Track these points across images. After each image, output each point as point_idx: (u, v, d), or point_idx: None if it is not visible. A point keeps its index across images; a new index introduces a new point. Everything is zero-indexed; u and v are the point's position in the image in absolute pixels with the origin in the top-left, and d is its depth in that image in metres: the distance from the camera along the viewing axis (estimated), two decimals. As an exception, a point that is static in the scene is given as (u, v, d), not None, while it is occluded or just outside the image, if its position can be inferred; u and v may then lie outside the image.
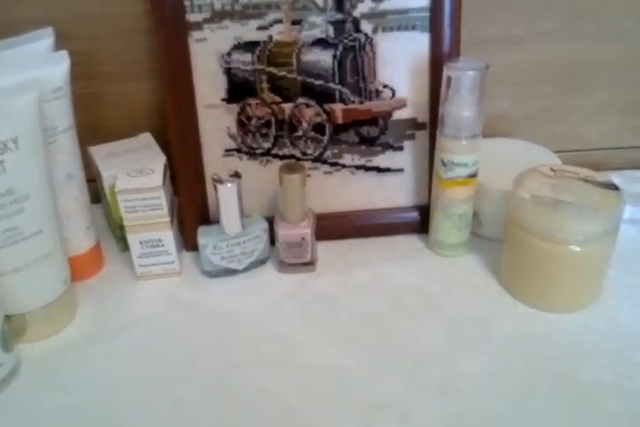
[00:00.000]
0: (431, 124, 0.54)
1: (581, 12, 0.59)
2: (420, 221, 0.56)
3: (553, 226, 0.45)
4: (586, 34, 0.60)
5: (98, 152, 0.55)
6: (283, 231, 0.51)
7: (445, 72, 0.48)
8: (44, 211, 0.45)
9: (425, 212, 0.56)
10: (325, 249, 0.55)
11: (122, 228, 0.51)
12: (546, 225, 0.45)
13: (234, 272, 0.53)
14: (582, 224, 0.45)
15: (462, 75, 0.47)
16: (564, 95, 0.63)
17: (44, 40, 0.50)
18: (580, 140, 0.65)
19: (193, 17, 0.51)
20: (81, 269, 0.52)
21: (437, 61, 0.52)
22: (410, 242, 0.56)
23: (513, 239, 0.49)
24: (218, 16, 0.51)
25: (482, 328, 0.47)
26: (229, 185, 0.49)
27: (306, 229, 0.51)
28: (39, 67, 0.46)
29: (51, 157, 0.47)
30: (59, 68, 0.48)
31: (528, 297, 0.49)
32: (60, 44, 0.50)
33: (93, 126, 0.57)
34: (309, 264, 0.53)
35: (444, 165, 0.50)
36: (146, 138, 0.57)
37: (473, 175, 0.51)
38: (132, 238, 0.51)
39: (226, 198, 0.50)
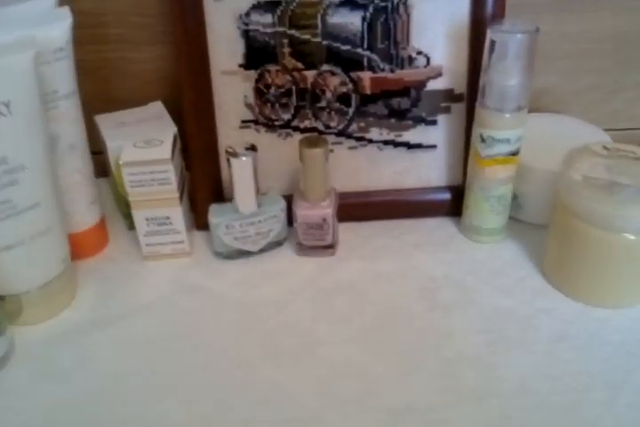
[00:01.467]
0: (469, 95, 0.49)
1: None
2: (453, 203, 0.51)
3: (608, 211, 0.40)
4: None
5: (104, 121, 0.51)
6: (302, 211, 0.47)
7: (489, 35, 0.43)
8: (41, 183, 0.41)
9: (459, 193, 0.51)
10: (348, 231, 0.50)
11: (128, 204, 0.47)
12: (600, 210, 0.40)
13: (248, 254, 0.48)
14: (641, 210, 0.40)
15: (509, 38, 0.42)
16: (616, 70, 0.57)
17: (45, -3, 0.45)
18: (633, 117, 0.60)
19: (209, -28, 0.46)
20: (83, 246, 0.48)
21: (478, 25, 0.47)
22: (441, 225, 0.51)
23: (561, 225, 0.43)
24: (236, -29, 0.46)
25: (523, 326, 0.42)
26: (244, 159, 0.45)
27: (327, 210, 0.47)
28: (37, 24, 0.42)
29: (51, 125, 0.43)
30: (60, 25, 0.43)
31: (576, 291, 0.44)
32: (64, 2, 0.46)
33: (101, 94, 0.54)
34: (330, 247, 0.48)
35: (484, 140, 0.45)
36: (156, 107, 0.53)
37: (515, 153, 0.45)
38: (138, 215, 0.47)
39: (240, 173, 0.45)
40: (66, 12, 0.44)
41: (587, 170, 0.42)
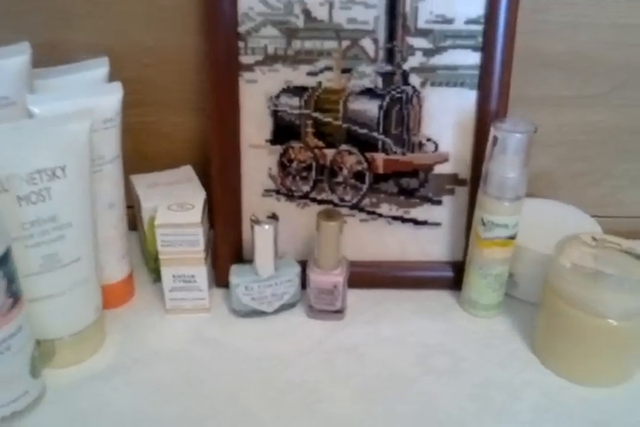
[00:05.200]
0: (472, 181, 0.54)
1: (632, 78, 0.59)
2: (454, 278, 0.56)
3: (592, 298, 0.44)
4: (634, 101, 0.60)
5: (139, 182, 0.56)
6: (315, 277, 0.51)
7: (492, 132, 0.48)
8: (84, 239, 0.46)
9: (459, 268, 0.55)
10: (356, 296, 0.54)
11: (156, 259, 0.52)
12: (585, 296, 0.44)
13: (263, 314, 0.52)
14: (622, 298, 0.44)
15: (509, 136, 0.47)
16: (607, 159, 0.63)
17: (99, 69, 0.51)
18: (621, 205, 0.65)
19: (245, 59, 0.52)
20: (112, 297, 0.52)
21: (484, 119, 0.52)
22: (441, 297, 0.56)
23: (549, 307, 0.48)
24: (270, 59, 0.52)
25: (510, 396, 0.46)
26: (266, 227, 0.50)
27: (338, 277, 0.51)
28: (93, 96, 0.47)
29: (95, 186, 0.47)
30: (112, 98, 0.48)
31: (561, 367, 0.48)
32: (112, 71, 0.51)
33: (136, 154, 0.57)
34: (339, 312, 0.52)
35: (484, 224, 0.50)
36: (187, 171, 0.58)
37: (512, 237, 0.50)
38: (166, 272, 0.51)
39: (262, 240, 0.50)
40: (118, 86, 0.49)
41: (575, 258, 0.47)
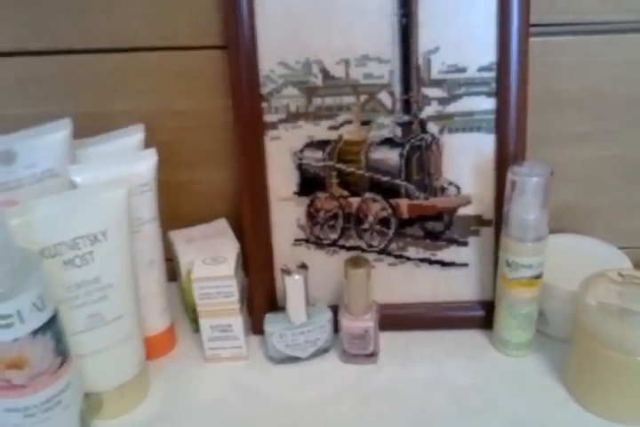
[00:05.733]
0: (496, 221, 0.55)
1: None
2: (485, 317, 0.56)
3: (619, 336, 0.44)
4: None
5: (177, 237, 0.59)
6: (346, 323, 0.53)
7: (510, 177, 0.49)
8: (125, 297, 0.49)
9: (490, 307, 0.56)
10: (388, 339, 0.56)
11: (194, 310, 0.54)
12: (612, 334, 0.45)
13: (297, 359, 0.54)
14: (650, 335, 0.44)
15: (527, 180, 0.48)
16: (631, 190, 0.63)
17: (135, 135, 0.55)
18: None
19: (269, 117, 0.55)
20: (155, 348, 0.55)
21: (503, 161, 0.54)
22: (473, 337, 0.56)
23: (579, 345, 0.48)
24: (292, 117, 0.55)
25: (544, 435, 0.46)
26: (297, 277, 0.52)
27: (369, 323, 0.52)
28: (130, 163, 0.51)
29: (135, 245, 0.50)
30: (147, 164, 0.52)
31: (594, 405, 0.48)
32: (147, 136, 0.55)
33: (173, 211, 0.60)
34: (371, 356, 0.54)
35: (509, 265, 0.51)
36: (221, 224, 0.61)
37: (538, 276, 0.51)
38: (204, 323, 0.54)
39: (293, 289, 0.52)
40: (152, 152, 0.53)
41: (601, 296, 0.47)
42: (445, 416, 0.48)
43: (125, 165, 0.50)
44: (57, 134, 0.50)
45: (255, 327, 0.57)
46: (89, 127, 0.53)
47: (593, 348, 0.46)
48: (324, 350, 0.55)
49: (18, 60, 0.57)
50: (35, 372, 0.40)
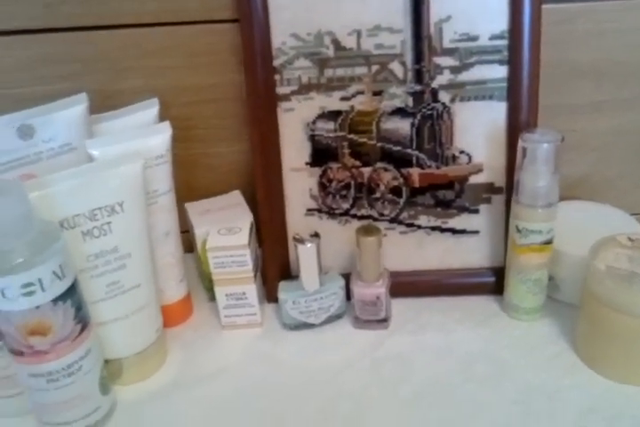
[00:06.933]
0: (507, 188, 0.56)
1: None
2: (495, 283, 0.57)
3: (628, 299, 0.45)
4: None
5: (192, 209, 0.60)
6: (358, 290, 0.54)
7: (520, 143, 0.50)
8: (143, 266, 0.50)
9: (500, 273, 0.56)
10: (400, 306, 0.57)
11: (210, 280, 0.56)
12: (620, 298, 0.45)
13: (311, 326, 0.56)
14: (658, 299, 0.45)
15: (537, 146, 0.49)
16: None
17: (149, 110, 0.55)
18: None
19: (282, 89, 0.55)
20: (172, 317, 0.57)
21: (514, 129, 0.54)
22: (484, 303, 0.57)
23: (589, 309, 0.49)
24: (305, 88, 0.55)
25: (555, 399, 0.47)
26: (309, 245, 0.53)
27: (380, 289, 0.53)
28: (145, 136, 0.52)
29: (151, 217, 0.52)
30: (162, 137, 0.53)
31: (605, 368, 0.48)
32: (161, 111, 0.56)
33: (188, 184, 0.62)
34: (383, 321, 0.55)
35: (519, 231, 0.51)
36: (236, 196, 0.62)
37: (548, 242, 0.51)
38: (219, 291, 0.55)
39: (306, 257, 0.53)
40: (167, 125, 0.53)
41: (610, 260, 0.47)
42: (456, 382, 0.50)
43: (141, 137, 0.51)
44: (73, 109, 0.51)
45: (269, 295, 0.59)
46: (102, 104, 0.54)
47: (602, 312, 0.47)
48: (336, 317, 0.56)
49: (29, 38, 0.57)
50: (57, 338, 0.42)
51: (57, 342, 0.42)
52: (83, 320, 0.44)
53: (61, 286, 0.42)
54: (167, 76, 0.60)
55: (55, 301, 0.41)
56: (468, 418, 0.46)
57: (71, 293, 0.42)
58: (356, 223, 0.58)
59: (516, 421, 0.46)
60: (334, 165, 0.57)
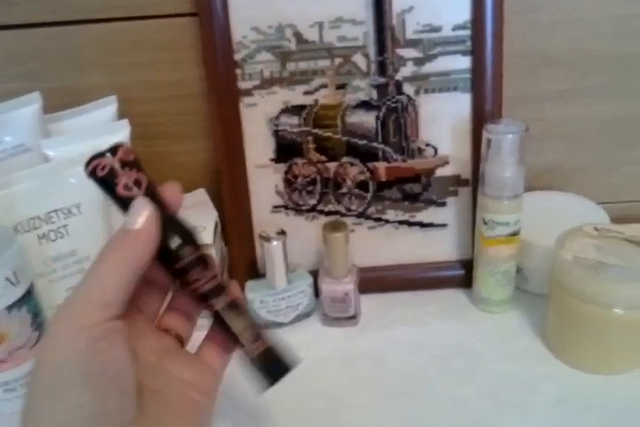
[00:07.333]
0: (474, 180, 0.55)
1: (629, 69, 0.59)
2: (465, 276, 0.57)
3: (596, 289, 0.45)
4: (634, 89, 0.60)
5: (156, 208, 0.59)
6: (326, 286, 0.53)
7: (485, 134, 0.49)
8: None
9: (469, 266, 0.56)
10: (370, 302, 0.56)
11: (177, 281, 0.54)
12: (588, 288, 0.45)
13: (280, 325, 0.55)
14: (626, 287, 0.45)
15: (502, 137, 0.48)
16: (613, 148, 0.63)
17: (108, 107, 0.54)
18: (632, 191, 0.65)
19: (244, 84, 0.54)
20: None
21: (479, 120, 0.53)
22: (454, 296, 0.57)
23: (557, 300, 0.49)
24: (267, 83, 0.54)
25: (527, 390, 0.47)
26: (275, 243, 0.52)
27: (349, 285, 0.53)
28: (102, 135, 0.50)
29: (112, 218, 0.50)
30: (120, 136, 0.51)
31: (573, 358, 0.48)
32: (123, 107, 0.54)
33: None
34: (353, 318, 0.54)
35: (486, 223, 0.51)
36: (200, 194, 0.60)
37: (515, 233, 0.51)
38: (186, 292, 0.54)
39: (272, 255, 0.52)
40: (125, 123, 0.52)
41: (577, 250, 0.47)
42: (429, 376, 0.49)
43: (98, 137, 0.50)
44: (26, 109, 0.50)
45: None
46: (64, 102, 0.53)
47: (570, 303, 0.47)
48: (305, 315, 0.55)
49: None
50: (13, 346, 0.41)
51: (13, 351, 0.41)
52: (40, 327, 0.43)
53: (16, 293, 0.40)
54: (131, 72, 0.58)
55: (10, 308, 0.40)
56: (443, 413, 0.46)
57: (27, 299, 0.41)
58: (324, 219, 0.57)
59: (489, 413, 0.46)
60: (299, 161, 0.56)
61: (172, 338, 0.37)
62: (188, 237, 0.34)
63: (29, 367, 0.42)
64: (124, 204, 0.33)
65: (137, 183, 0.33)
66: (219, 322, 0.36)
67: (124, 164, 0.33)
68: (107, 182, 0.32)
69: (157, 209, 0.33)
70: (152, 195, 0.33)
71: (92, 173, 0.32)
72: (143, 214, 0.32)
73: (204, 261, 0.34)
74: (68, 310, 0.30)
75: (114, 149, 0.32)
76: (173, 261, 0.33)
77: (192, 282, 0.34)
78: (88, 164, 0.32)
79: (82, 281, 0.31)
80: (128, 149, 0.33)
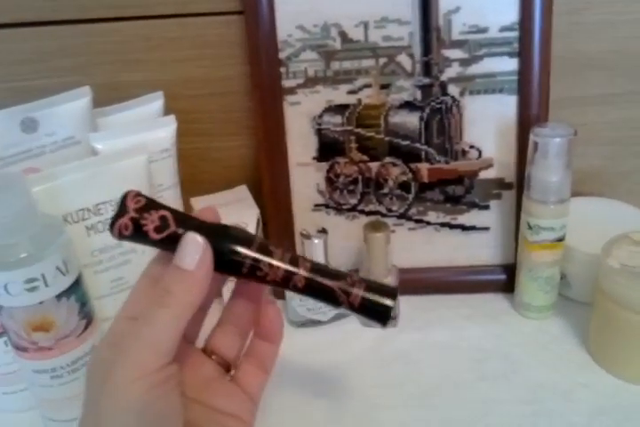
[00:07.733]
0: (518, 184, 0.55)
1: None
2: (506, 281, 0.56)
3: (641, 297, 0.44)
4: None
5: (198, 204, 0.59)
6: (366, 287, 0.53)
7: (532, 138, 0.49)
8: (148, 261, 0.49)
9: (511, 271, 0.55)
10: (408, 303, 0.56)
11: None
12: (634, 296, 0.44)
13: (318, 323, 0.55)
14: (674, 297, 0.44)
15: (549, 141, 0.48)
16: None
17: (154, 103, 0.55)
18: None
19: (288, 83, 0.54)
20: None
21: (525, 123, 0.53)
22: (494, 301, 0.56)
23: (602, 308, 0.48)
24: (311, 81, 0.54)
25: (565, 398, 0.46)
26: (316, 241, 0.52)
27: (388, 286, 0.52)
28: (150, 130, 0.51)
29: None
30: (167, 131, 0.52)
31: (616, 367, 0.48)
32: (166, 103, 0.55)
33: (194, 178, 0.61)
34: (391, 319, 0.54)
35: (530, 228, 0.50)
36: (242, 190, 0.61)
37: (560, 239, 0.50)
38: (226, 287, 0.54)
39: (313, 254, 0.52)
40: (172, 119, 0.53)
41: (624, 258, 0.46)
42: (466, 380, 0.49)
43: (145, 131, 0.51)
44: (77, 102, 0.50)
45: (277, 292, 0.58)
46: (108, 97, 0.53)
47: (614, 311, 0.46)
48: (344, 314, 0.55)
49: (37, 31, 0.56)
50: (60, 334, 0.41)
51: (61, 338, 0.42)
52: (87, 316, 0.43)
53: (65, 282, 0.41)
54: (174, 68, 0.59)
55: (59, 296, 0.41)
56: (476, 418, 0.46)
57: (75, 288, 0.42)
58: (364, 219, 0.57)
59: (526, 419, 0.45)
60: (341, 160, 0.56)
61: (215, 364, 0.36)
62: (237, 238, 0.33)
63: (76, 355, 0.43)
64: (166, 244, 0.32)
65: (164, 220, 0.32)
66: (312, 292, 0.34)
67: (140, 210, 0.32)
68: (139, 237, 0.32)
69: (198, 229, 0.32)
70: (184, 221, 0.33)
71: (122, 237, 0.32)
72: (196, 253, 0.31)
73: (265, 248, 0.33)
74: (129, 354, 0.30)
75: (123, 204, 0.32)
76: (237, 267, 0.33)
77: (267, 273, 0.33)
78: (111, 230, 0.32)
79: (141, 324, 0.31)
80: (134, 196, 0.33)
